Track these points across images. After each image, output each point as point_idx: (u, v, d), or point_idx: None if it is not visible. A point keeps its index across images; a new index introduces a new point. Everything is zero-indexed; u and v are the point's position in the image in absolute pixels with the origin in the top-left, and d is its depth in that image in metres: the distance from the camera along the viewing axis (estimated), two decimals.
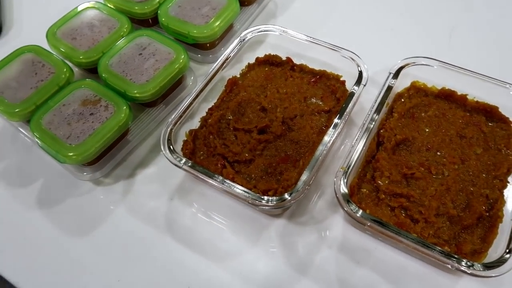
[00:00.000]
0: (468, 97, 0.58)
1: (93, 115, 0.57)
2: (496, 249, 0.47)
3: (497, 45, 0.70)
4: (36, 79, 0.61)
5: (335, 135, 0.54)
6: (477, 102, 0.58)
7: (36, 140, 0.56)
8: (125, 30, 0.67)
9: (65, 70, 0.62)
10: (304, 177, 0.51)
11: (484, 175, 0.53)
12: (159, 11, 0.68)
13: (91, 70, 0.67)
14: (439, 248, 0.45)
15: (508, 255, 0.44)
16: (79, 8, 0.70)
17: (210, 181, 0.52)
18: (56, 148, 0.55)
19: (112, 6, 0.71)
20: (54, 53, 0.65)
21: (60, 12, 0.70)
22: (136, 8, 0.69)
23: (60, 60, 0.64)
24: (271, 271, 0.52)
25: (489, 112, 0.57)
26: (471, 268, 0.44)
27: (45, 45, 0.66)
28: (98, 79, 0.63)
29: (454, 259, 0.45)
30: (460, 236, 0.49)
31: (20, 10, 0.85)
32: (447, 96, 0.59)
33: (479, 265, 0.44)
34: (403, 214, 0.51)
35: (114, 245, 0.56)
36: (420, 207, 0.50)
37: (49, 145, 0.55)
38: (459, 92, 0.59)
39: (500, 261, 0.44)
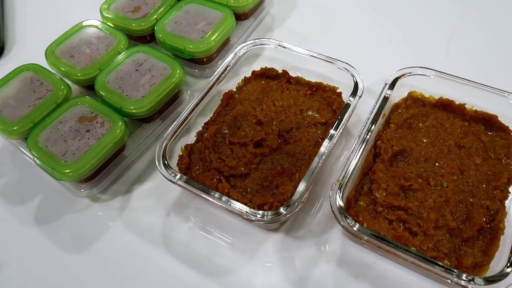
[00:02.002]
0: (467, 106, 0.58)
1: (89, 131, 0.58)
2: (497, 262, 0.46)
3: (495, 54, 0.69)
4: (34, 97, 0.62)
5: (331, 146, 0.53)
6: (475, 111, 0.57)
7: (33, 157, 0.57)
8: (122, 46, 0.67)
9: (62, 87, 0.63)
10: (299, 190, 0.50)
11: (484, 185, 0.52)
12: (155, 28, 0.69)
13: (89, 87, 0.67)
14: (439, 263, 0.44)
15: (510, 269, 0.43)
16: (78, 27, 0.71)
17: (205, 196, 0.52)
18: (52, 165, 0.55)
19: (110, 24, 0.72)
20: (52, 71, 0.66)
21: (60, 30, 0.71)
22: (134, 25, 0.70)
23: (58, 78, 0.65)
24: (268, 286, 0.51)
25: (488, 121, 0.56)
26: (471, 282, 0.43)
27: (45, 63, 0.67)
28: (96, 95, 0.64)
29: (454, 274, 0.43)
30: (461, 249, 0.48)
31: (22, 29, 0.87)
32: (445, 106, 0.59)
33: (480, 279, 0.43)
34: (401, 227, 0.50)
35: (111, 261, 0.56)
36: (419, 219, 0.49)
37: (46, 162, 0.55)
38: (457, 101, 0.58)
39: (502, 275, 0.43)
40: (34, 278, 0.55)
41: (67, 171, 0.54)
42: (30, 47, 0.83)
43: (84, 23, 0.72)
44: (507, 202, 0.50)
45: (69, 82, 0.66)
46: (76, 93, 0.69)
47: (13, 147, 0.66)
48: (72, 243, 0.57)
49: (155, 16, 0.71)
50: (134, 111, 0.60)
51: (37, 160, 0.56)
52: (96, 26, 0.71)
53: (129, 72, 0.64)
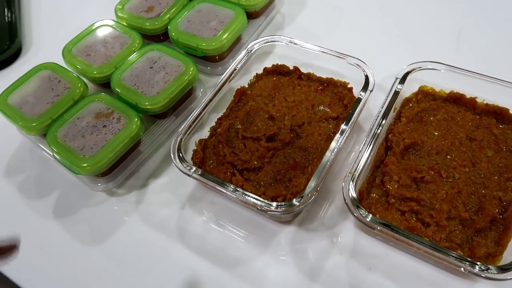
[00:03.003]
0: (477, 100, 0.58)
1: (106, 127, 0.59)
2: (510, 252, 0.46)
3: (505, 47, 0.69)
4: (53, 94, 0.64)
5: (343, 141, 0.54)
6: (486, 104, 0.57)
7: (52, 152, 0.58)
8: (136, 45, 0.69)
9: (79, 85, 0.65)
10: (312, 182, 0.51)
11: (496, 177, 0.52)
12: (169, 26, 0.71)
13: (105, 84, 0.69)
14: (452, 252, 0.45)
15: None
16: (93, 26, 0.73)
17: (220, 188, 0.53)
18: (71, 159, 0.57)
19: (124, 23, 0.74)
20: (69, 69, 0.68)
21: (76, 30, 0.73)
22: (147, 24, 0.72)
23: (75, 76, 0.66)
24: (281, 278, 0.52)
25: (500, 114, 0.57)
26: (485, 271, 0.43)
27: (62, 62, 0.69)
28: (112, 93, 0.65)
29: (467, 263, 0.44)
30: (473, 240, 0.48)
31: (37, 30, 0.89)
32: (456, 100, 0.59)
33: (493, 268, 0.43)
34: (414, 218, 0.50)
35: (127, 253, 0.57)
36: (431, 210, 0.50)
37: (64, 157, 0.57)
38: (468, 95, 0.58)
39: None
40: (53, 269, 0.57)
41: (85, 165, 0.56)
42: (46, 47, 0.85)
43: (99, 23, 0.73)
44: None
45: (85, 80, 0.67)
46: (92, 91, 0.71)
47: (31, 144, 0.68)
48: (89, 235, 0.59)
49: (168, 16, 0.72)
50: (149, 107, 0.61)
51: (56, 155, 0.58)
52: (111, 26, 0.73)
53: (143, 69, 0.65)
